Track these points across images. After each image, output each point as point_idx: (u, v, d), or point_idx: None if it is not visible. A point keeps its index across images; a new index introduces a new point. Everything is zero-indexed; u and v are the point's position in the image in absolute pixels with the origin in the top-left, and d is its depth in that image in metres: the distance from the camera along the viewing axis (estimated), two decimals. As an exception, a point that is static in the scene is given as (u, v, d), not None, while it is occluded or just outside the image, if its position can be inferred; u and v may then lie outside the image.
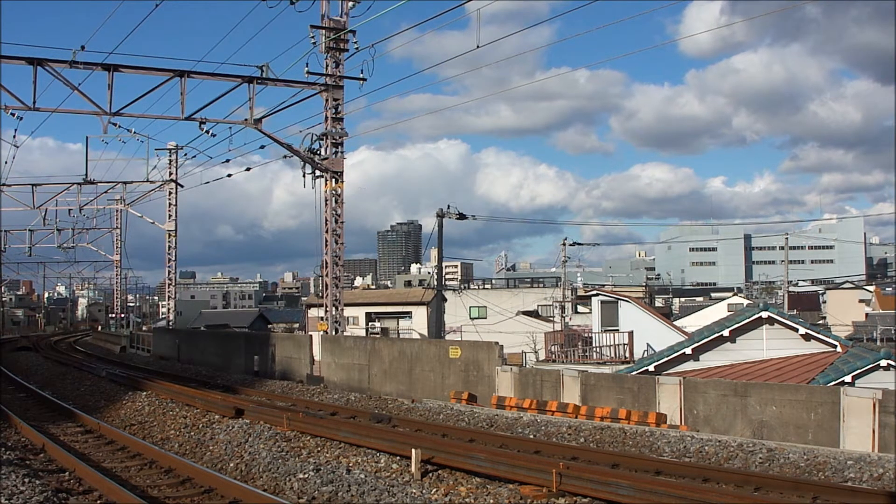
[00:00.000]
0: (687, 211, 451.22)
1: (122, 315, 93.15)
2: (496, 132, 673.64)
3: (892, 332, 44.16)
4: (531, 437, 14.86)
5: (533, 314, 52.56)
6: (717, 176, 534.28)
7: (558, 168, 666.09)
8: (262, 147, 49.31)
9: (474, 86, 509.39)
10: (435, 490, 10.58)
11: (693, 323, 49.16)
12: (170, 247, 49.99)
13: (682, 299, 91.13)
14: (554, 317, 51.44)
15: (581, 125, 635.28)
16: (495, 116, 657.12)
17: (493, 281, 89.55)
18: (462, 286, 65.76)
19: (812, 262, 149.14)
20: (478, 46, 20.06)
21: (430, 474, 11.48)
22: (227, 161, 36.13)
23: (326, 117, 26.96)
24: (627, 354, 33.51)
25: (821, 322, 54.01)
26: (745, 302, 58.63)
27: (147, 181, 46.57)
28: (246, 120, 25.77)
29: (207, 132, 26.84)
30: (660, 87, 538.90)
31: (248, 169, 48.97)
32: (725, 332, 27.09)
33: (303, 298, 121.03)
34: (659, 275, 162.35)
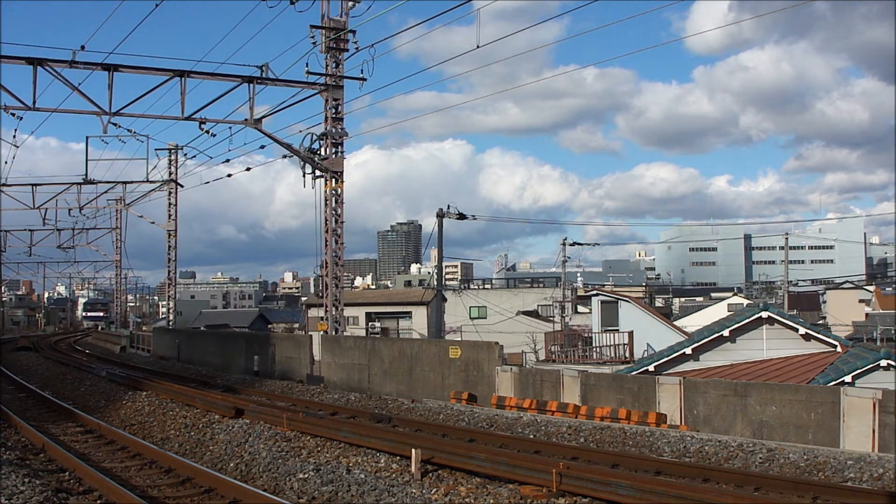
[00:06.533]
0: (691, 211, 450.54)
1: (103, 314, 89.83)
2: (504, 130, 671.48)
3: (892, 332, 44.17)
4: (531, 437, 14.86)
5: (533, 314, 52.58)
6: (721, 175, 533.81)
7: (563, 169, 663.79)
8: (263, 147, 49.46)
9: (481, 84, 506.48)
10: (435, 490, 10.58)
11: (693, 323, 49.15)
12: (170, 247, 49.99)
13: (682, 299, 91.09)
14: (554, 317, 51.46)
15: (589, 124, 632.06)
16: (503, 115, 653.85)
17: (493, 281, 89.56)
18: (462, 286, 65.77)
19: (812, 262, 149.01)
20: (478, 46, 20.04)
21: (430, 474, 11.48)
22: (228, 161, 36.22)
23: (326, 117, 26.96)
24: (627, 354, 33.51)
25: (821, 322, 54.00)
26: (745, 302, 58.64)
27: (147, 181, 46.57)
28: (246, 120, 25.78)
29: (207, 132, 26.92)
30: (667, 85, 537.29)
31: (248, 169, 48.94)
32: (725, 332, 27.10)
33: (303, 298, 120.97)
34: (659, 275, 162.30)
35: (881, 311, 59.56)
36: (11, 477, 10.85)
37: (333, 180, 27.01)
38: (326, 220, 27.21)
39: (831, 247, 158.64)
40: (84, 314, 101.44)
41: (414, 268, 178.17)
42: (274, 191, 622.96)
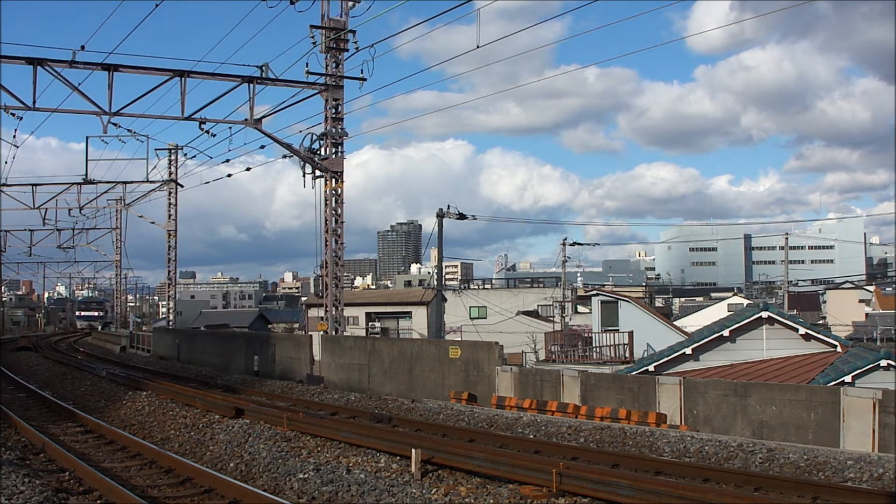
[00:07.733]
0: (691, 211, 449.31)
1: (98, 314, 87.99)
2: (505, 130, 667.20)
3: (892, 332, 44.16)
4: (531, 437, 14.86)
5: (533, 314, 52.57)
6: (722, 175, 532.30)
7: (564, 169, 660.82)
8: (263, 147, 49.35)
9: (482, 83, 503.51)
10: (435, 490, 10.57)
11: (693, 323, 49.15)
12: (170, 247, 49.99)
13: (682, 299, 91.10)
14: (554, 317, 51.46)
15: (590, 124, 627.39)
16: (504, 114, 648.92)
17: (493, 281, 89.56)
18: (462, 286, 65.78)
19: (812, 262, 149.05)
20: (478, 46, 20.05)
21: (430, 474, 11.48)
22: (228, 161, 36.34)
23: (326, 117, 26.97)
24: (627, 354, 33.51)
25: (821, 322, 53.99)
26: (745, 302, 58.61)
27: (147, 181, 46.59)
28: (246, 120, 25.79)
29: (207, 132, 26.94)
30: (669, 85, 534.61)
31: (248, 169, 49.04)
32: (725, 332, 27.09)
33: (303, 298, 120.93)
34: (659, 275, 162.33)
35: (881, 311, 59.56)
36: (11, 477, 10.85)
37: (333, 180, 27.01)
38: (326, 220, 27.21)
39: (831, 247, 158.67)
40: (77, 314, 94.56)
41: (414, 268, 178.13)
42: (274, 191, 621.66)
